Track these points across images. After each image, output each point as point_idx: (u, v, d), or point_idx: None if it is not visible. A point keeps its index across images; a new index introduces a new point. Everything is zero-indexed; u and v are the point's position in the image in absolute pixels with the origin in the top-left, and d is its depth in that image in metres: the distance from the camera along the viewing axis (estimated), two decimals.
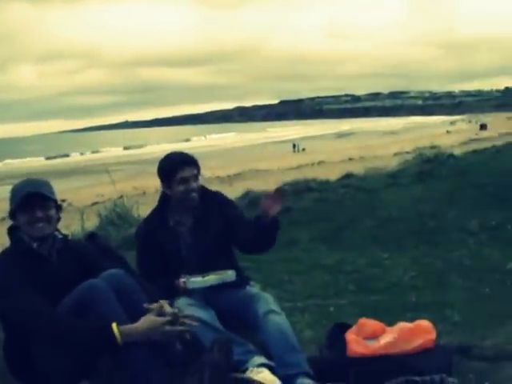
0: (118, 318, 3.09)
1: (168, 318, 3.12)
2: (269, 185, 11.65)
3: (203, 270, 3.87)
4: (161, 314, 3.15)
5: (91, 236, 4.13)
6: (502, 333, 4.31)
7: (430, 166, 11.34)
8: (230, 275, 3.84)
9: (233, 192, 10.77)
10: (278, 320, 3.67)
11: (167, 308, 3.20)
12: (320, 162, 35.27)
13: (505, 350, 3.96)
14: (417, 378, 3.19)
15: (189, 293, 3.82)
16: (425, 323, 3.86)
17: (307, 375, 3.48)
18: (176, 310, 3.23)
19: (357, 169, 13.26)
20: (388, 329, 3.84)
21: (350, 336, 3.78)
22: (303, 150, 58.21)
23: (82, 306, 3.13)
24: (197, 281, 3.81)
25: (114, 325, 3.02)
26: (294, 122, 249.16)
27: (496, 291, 5.57)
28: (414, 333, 3.72)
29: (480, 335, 4.31)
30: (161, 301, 3.24)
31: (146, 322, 3.09)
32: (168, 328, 3.11)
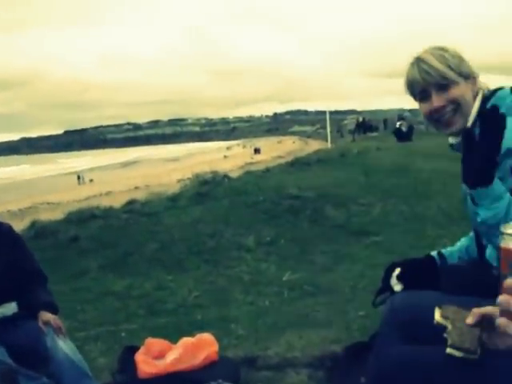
0: None
1: None
2: (57, 216, 11.32)
3: None
4: None
5: None
6: (282, 342, 4.47)
7: (207, 188, 11.49)
8: (11, 308, 3.59)
9: (24, 226, 10.36)
10: (66, 349, 3.53)
11: None
12: (108, 193, 34.87)
13: (286, 357, 4.11)
14: None
15: None
16: (206, 336, 3.92)
17: None
18: None
19: (141, 196, 13.19)
20: (174, 346, 3.85)
21: (139, 357, 3.75)
22: (91, 181, 57.30)
23: None
24: None
25: None
26: (81, 152, 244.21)
27: (275, 303, 5.79)
28: (198, 346, 3.77)
29: (263, 346, 4.43)
30: None
31: None
32: None
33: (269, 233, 8.39)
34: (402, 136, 29.11)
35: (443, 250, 2.68)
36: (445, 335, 1.48)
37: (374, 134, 54.14)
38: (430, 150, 16.71)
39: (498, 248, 0.97)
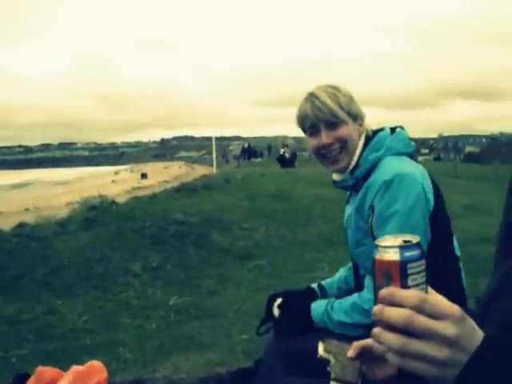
0: None
1: None
2: None
3: None
4: None
5: None
6: (169, 364, 4.45)
7: (95, 213, 11.23)
8: None
9: None
10: None
11: None
12: None
13: (173, 380, 4.08)
14: None
15: None
16: (95, 363, 3.83)
17: None
18: None
19: (31, 219, 12.77)
20: (64, 374, 3.75)
21: None
22: None
23: None
24: None
25: None
26: None
27: (162, 326, 5.76)
28: (88, 373, 3.68)
29: (151, 368, 4.40)
30: None
31: None
32: None
33: (155, 258, 8.32)
34: (286, 162, 29.37)
35: (323, 282, 2.71)
36: (328, 369, 1.51)
37: (259, 159, 54.57)
38: (312, 177, 17.00)
39: (372, 261, 0.98)
